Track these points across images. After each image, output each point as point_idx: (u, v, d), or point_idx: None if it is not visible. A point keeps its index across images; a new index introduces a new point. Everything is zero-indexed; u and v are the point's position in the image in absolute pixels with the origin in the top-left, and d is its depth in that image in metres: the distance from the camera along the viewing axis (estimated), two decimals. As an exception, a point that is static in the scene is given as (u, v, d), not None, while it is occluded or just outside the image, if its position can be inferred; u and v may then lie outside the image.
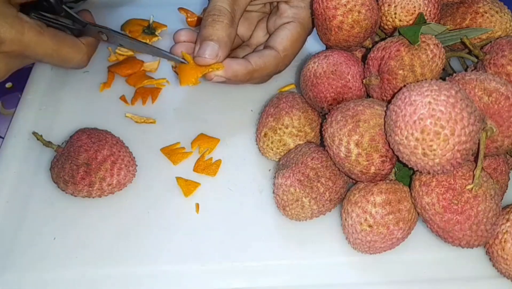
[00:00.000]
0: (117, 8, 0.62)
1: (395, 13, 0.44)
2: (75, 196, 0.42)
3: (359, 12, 0.41)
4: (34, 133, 0.45)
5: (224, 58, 0.45)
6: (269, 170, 0.46)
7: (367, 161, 0.37)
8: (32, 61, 0.51)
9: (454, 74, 0.38)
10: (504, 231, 0.37)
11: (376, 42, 0.42)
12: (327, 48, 0.46)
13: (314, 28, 0.47)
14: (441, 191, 0.35)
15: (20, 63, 0.48)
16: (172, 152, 0.47)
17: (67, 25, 0.50)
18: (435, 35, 0.40)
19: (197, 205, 0.43)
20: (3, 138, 0.48)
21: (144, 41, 0.56)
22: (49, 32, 0.46)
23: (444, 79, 0.38)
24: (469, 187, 0.35)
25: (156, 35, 0.58)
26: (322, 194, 0.39)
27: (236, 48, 0.52)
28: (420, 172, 0.36)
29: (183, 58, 0.46)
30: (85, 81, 0.53)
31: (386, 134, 0.36)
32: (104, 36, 0.50)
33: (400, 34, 0.39)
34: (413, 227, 0.39)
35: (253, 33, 0.53)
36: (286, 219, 0.41)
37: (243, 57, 0.46)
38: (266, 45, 0.48)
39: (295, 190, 0.39)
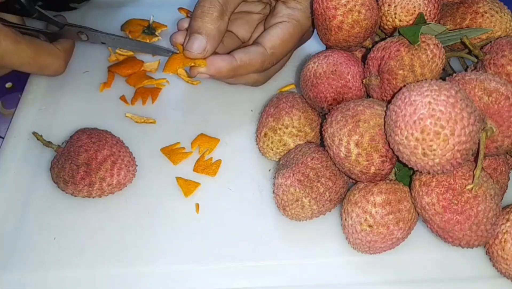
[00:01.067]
0: (117, 8, 0.62)
1: (395, 13, 0.44)
2: (75, 196, 0.42)
3: (359, 12, 0.41)
4: (34, 133, 0.45)
5: (213, 52, 0.44)
6: (269, 170, 0.46)
7: (367, 161, 0.37)
8: (8, 70, 0.49)
9: (454, 74, 0.38)
10: (504, 231, 0.37)
11: (376, 42, 0.42)
12: (327, 48, 0.46)
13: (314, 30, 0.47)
14: (441, 191, 0.35)
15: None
16: (172, 152, 0.47)
17: (40, 30, 0.48)
18: (435, 35, 0.40)
19: (197, 205, 0.43)
20: (3, 138, 0.48)
21: (145, 41, 0.56)
22: (25, 40, 0.45)
23: (444, 79, 0.38)
24: (469, 187, 0.35)
25: (156, 35, 0.58)
26: (322, 194, 0.39)
27: (235, 49, 0.52)
28: (420, 172, 0.36)
29: (175, 47, 0.45)
30: (85, 81, 0.53)
31: (386, 134, 0.36)
32: (84, 36, 0.49)
33: (400, 34, 0.39)
34: (413, 227, 0.39)
35: (253, 35, 0.53)
36: (286, 219, 0.41)
37: (228, 53, 0.46)
38: (255, 41, 0.48)
39: (295, 190, 0.39)
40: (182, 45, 0.45)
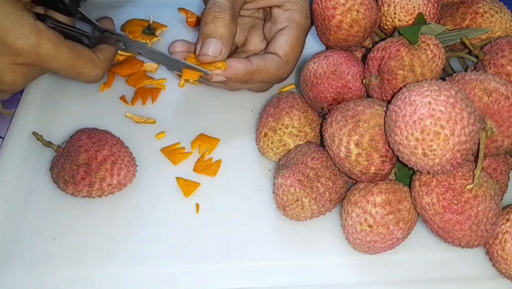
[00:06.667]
0: (117, 8, 0.62)
1: (395, 13, 0.44)
2: (75, 196, 0.42)
3: (358, 11, 0.41)
4: (34, 133, 0.45)
5: (227, 55, 0.44)
6: (269, 170, 0.46)
7: (367, 161, 0.37)
8: (44, 73, 0.49)
9: (454, 74, 0.38)
10: (504, 231, 0.37)
11: (376, 42, 0.42)
12: (327, 48, 0.46)
13: (313, 29, 0.47)
14: (441, 191, 0.35)
15: (37, 74, 0.46)
16: (172, 152, 0.47)
17: (84, 33, 0.48)
18: (435, 35, 0.40)
19: (197, 205, 0.43)
20: (3, 138, 0.48)
21: (145, 41, 0.56)
22: (66, 44, 0.44)
23: (444, 79, 0.38)
24: (469, 187, 0.35)
25: (156, 36, 0.58)
26: (322, 194, 0.39)
27: (231, 54, 0.52)
28: (420, 172, 0.36)
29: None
30: (85, 82, 0.53)
31: (386, 134, 0.36)
32: (122, 45, 0.48)
33: (400, 34, 0.39)
34: (413, 227, 0.39)
35: (248, 39, 0.52)
36: (286, 219, 0.41)
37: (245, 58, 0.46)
38: (267, 51, 0.47)
39: (295, 190, 0.39)
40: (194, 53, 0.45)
